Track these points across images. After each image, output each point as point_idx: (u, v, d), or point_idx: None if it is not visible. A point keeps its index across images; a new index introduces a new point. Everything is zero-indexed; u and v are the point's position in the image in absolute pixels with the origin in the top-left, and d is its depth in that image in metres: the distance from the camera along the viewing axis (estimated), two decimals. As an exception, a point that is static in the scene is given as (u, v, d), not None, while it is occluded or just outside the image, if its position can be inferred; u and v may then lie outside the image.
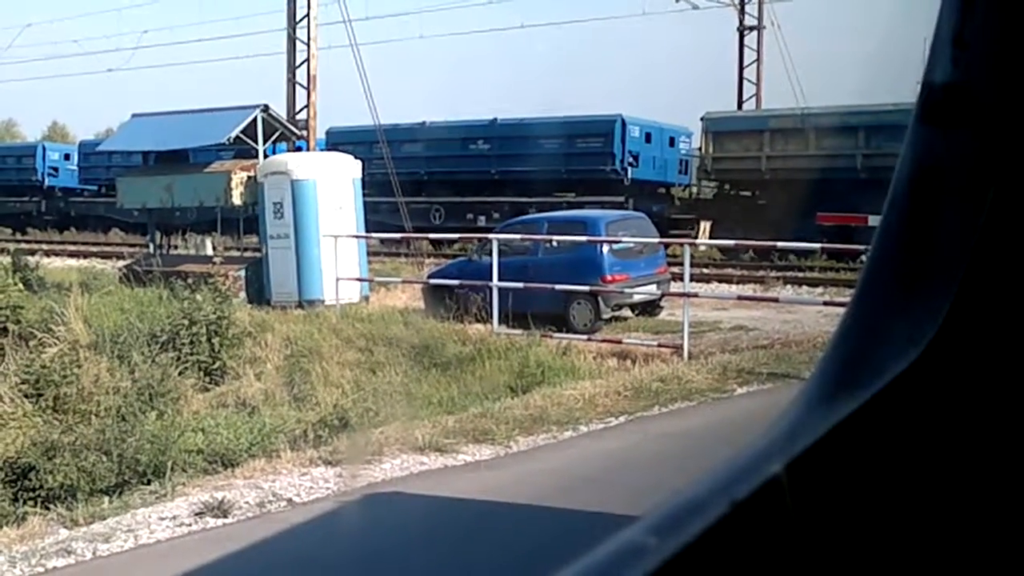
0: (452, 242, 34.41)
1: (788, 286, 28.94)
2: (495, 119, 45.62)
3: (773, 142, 38.81)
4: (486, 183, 44.31)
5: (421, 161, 43.45)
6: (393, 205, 34.58)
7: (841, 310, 1.43)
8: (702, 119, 41.17)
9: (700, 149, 42.61)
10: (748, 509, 1.25)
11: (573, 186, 42.17)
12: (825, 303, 22.02)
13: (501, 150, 44.55)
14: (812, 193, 32.67)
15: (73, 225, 58.96)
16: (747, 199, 40.26)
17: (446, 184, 44.40)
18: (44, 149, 63.37)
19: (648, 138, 43.06)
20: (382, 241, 33.02)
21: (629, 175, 41.76)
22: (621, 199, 40.04)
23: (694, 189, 46.18)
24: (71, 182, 60.64)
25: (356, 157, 28.98)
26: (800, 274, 31.10)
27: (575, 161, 41.86)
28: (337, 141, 36.66)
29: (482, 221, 42.35)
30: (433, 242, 34.80)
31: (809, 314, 22.18)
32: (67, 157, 61.88)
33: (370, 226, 28.69)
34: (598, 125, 42.49)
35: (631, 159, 41.84)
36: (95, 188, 58.63)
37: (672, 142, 44.51)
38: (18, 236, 56.11)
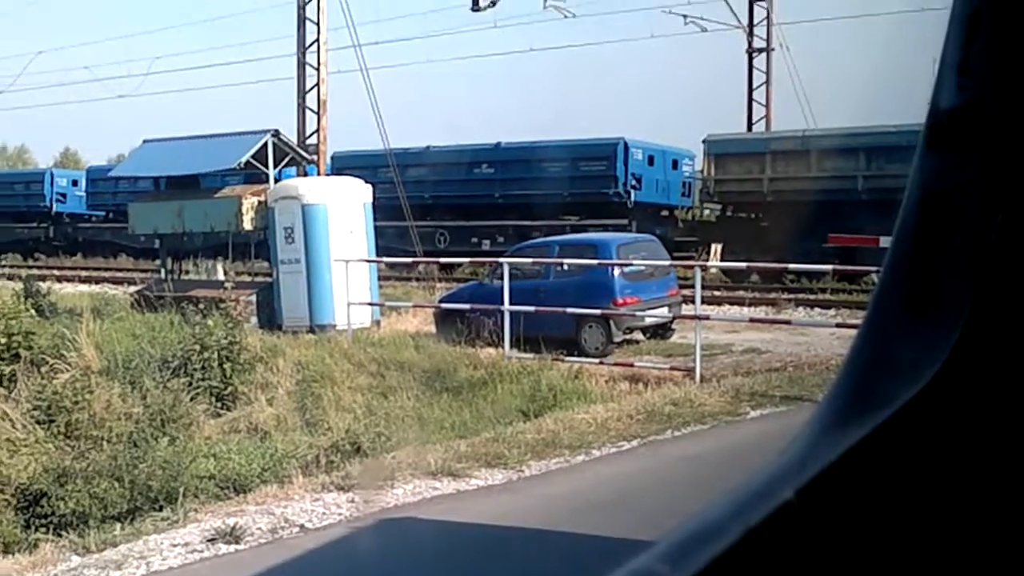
0: (457, 265, 34.41)
1: (800, 308, 28.93)
2: (499, 143, 45.80)
3: (775, 164, 38.93)
4: (490, 207, 44.45)
5: (425, 185, 43.34)
6: (399, 230, 34.60)
7: (853, 332, 1.43)
8: (704, 141, 41.33)
9: (703, 171, 42.72)
10: (760, 535, 1.25)
11: (577, 209, 42.18)
12: (838, 325, 21.96)
13: (505, 174, 44.77)
14: (814, 215, 32.73)
15: (81, 251, 59.30)
16: (750, 221, 40.34)
17: (450, 208, 44.44)
18: (52, 175, 63.70)
19: (651, 161, 43.19)
20: (391, 265, 32.99)
21: (632, 198, 41.86)
22: (624, 222, 40.17)
23: (697, 211, 46.26)
24: (79, 208, 60.97)
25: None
26: (812, 296, 31.13)
27: (578, 184, 41.93)
28: (342, 166, 36.77)
29: (487, 245, 42.58)
30: (440, 266, 34.84)
31: (822, 336, 22.18)
32: (75, 183, 62.24)
33: (377, 251, 28.72)
34: (601, 148, 42.67)
35: (634, 182, 41.96)
36: (102, 214, 58.97)
37: (675, 164, 44.62)
38: (29, 262, 56.42)
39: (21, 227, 61.51)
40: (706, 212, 45.58)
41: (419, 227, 34.41)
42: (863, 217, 32.38)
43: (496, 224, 43.91)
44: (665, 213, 44.76)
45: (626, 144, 42.16)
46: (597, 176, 42.24)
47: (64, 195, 61.38)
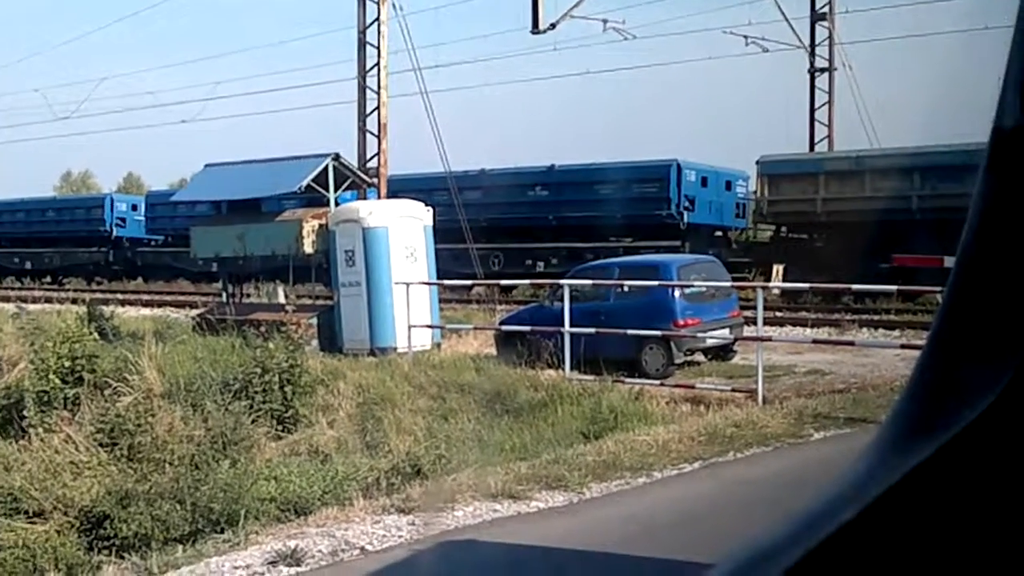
0: (513, 287, 34.47)
1: (864, 329, 28.77)
2: (552, 166, 46.32)
3: (828, 185, 38.93)
4: (544, 229, 44.94)
5: (480, 208, 43.44)
6: (453, 252, 34.58)
7: (918, 353, 1.41)
8: (757, 162, 41.39)
9: (756, 192, 42.77)
10: (821, 556, 1.24)
11: (630, 231, 42.29)
12: (902, 346, 21.80)
13: (559, 196, 45.29)
14: (868, 235, 32.63)
15: (140, 275, 60.36)
16: (804, 242, 40.30)
17: (505, 230, 44.52)
18: (112, 200, 65.08)
19: (704, 182, 43.56)
20: (448, 287, 32.99)
21: (685, 219, 42.19)
22: (677, 243, 40.48)
23: (751, 232, 46.24)
24: (138, 232, 62.10)
25: (418, 205, 29.12)
26: (876, 317, 30.97)
27: (631, 206, 42.20)
28: (397, 189, 36.88)
29: (541, 267, 43.16)
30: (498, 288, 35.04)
31: (886, 357, 22.02)
32: (134, 208, 63.61)
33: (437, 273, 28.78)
34: (654, 170, 43.00)
35: (687, 203, 42.30)
36: (161, 238, 59.84)
37: (729, 186, 44.97)
38: (92, 286, 57.12)
39: (82, 251, 62.54)
40: (759, 233, 45.61)
41: (476, 249, 34.42)
42: (917, 237, 32.42)
43: (550, 246, 44.36)
44: (719, 234, 44.97)
45: (679, 165, 42.43)
46: (650, 198, 42.60)
47: (124, 220, 62.50)
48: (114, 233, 62.25)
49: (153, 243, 61.57)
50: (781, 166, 40.71)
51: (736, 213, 45.23)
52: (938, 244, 31.15)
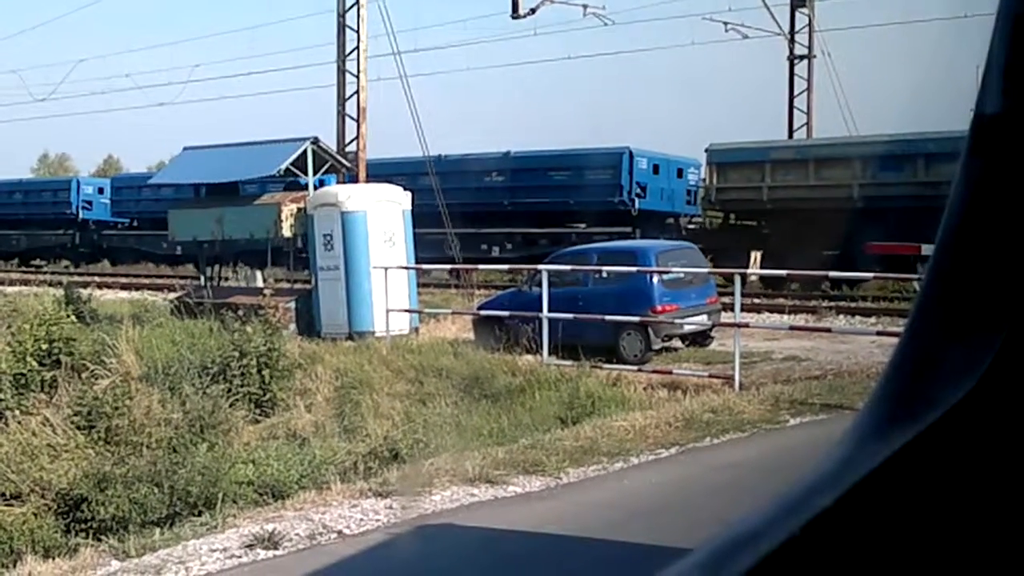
0: (469, 271, 34.63)
1: (840, 316, 28.84)
2: (508, 152, 46.81)
3: (774, 173, 39.24)
4: (499, 214, 45.21)
5: (437, 193, 43.70)
6: (417, 236, 34.75)
7: (894, 340, 1.41)
8: (706, 150, 41.72)
9: (705, 180, 43.13)
10: (798, 544, 1.24)
11: (583, 217, 42.82)
12: (878, 333, 21.87)
13: (514, 182, 45.75)
14: (812, 222, 32.96)
15: (106, 257, 60.56)
16: (751, 229, 40.71)
17: (460, 215, 44.54)
18: (78, 183, 65.13)
19: (656, 169, 44.06)
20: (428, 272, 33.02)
21: (636, 206, 42.57)
22: (629, 230, 40.84)
23: (707, 220, 46.54)
24: (104, 215, 62.32)
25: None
26: (852, 304, 31.08)
27: (584, 192, 42.79)
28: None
29: (496, 251, 43.66)
30: (457, 272, 35.18)
31: (862, 344, 22.08)
32: (100, 191, 63.61)
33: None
34: (606, 157, 43.62)
35: (639, 190, 42.75)
36: (127, 221, 60.18)
37: (680, 173, 45.45)
38: (70, 268, 57.06)
39: (49, 234, 62.67)
40: (709, 220, 45.98)
41: (431, 234, 34.41)
42: (859, 224, 32.73)
43: (505, 231, 45.00)
44: (670, 221, 45.23)
45: (631, 153, 42.99)
46: (603, 185, 43.20)
47: (90, 202, 62.61)
48: (80, 216, 62.24)
49: (119, 226, 61.73)
50: (729, 154, 41.08)
51: (687, 200, 45.73)
52: (877, 232, 31.63)
